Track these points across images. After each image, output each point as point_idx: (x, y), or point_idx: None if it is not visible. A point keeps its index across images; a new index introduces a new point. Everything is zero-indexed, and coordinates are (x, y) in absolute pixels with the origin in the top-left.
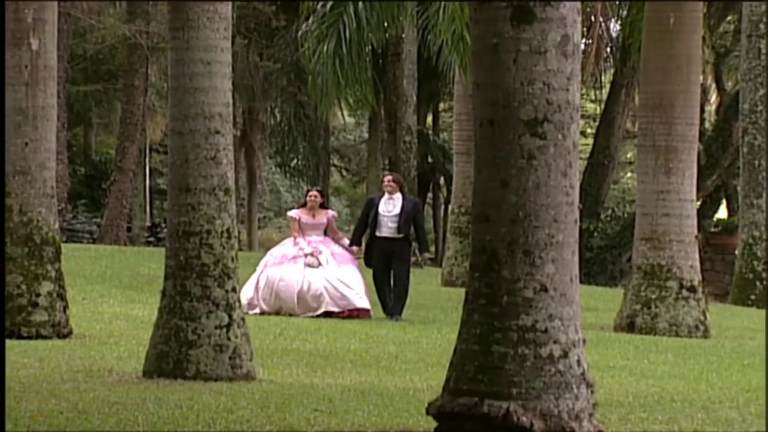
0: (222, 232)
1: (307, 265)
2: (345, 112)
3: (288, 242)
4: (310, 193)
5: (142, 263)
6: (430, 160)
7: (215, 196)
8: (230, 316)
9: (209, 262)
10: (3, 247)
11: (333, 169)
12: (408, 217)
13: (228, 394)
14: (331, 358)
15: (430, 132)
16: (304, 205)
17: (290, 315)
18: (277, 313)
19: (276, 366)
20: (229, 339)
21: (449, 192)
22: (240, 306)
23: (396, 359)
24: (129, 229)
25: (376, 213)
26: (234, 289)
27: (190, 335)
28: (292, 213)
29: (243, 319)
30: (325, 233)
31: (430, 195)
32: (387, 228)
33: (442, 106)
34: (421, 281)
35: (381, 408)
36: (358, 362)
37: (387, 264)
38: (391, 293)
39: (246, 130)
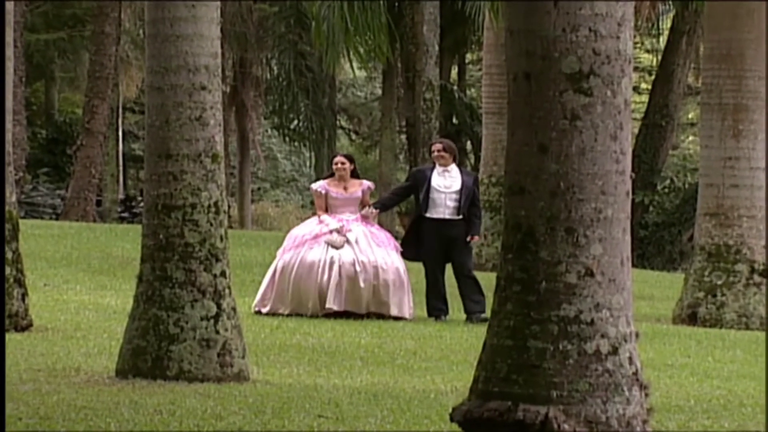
0: (209, 206)
1: (329, 244)
2: (354, 65)
3: (312, 221)
4: (336, 160)
5: (114, 243)
6: (455, 121)
7: (201, 164)
8: (219, 306)
9: (194, 242)
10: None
11: (340, 131)
12: (469, 195)
13: (216, 397)
14: (337, 354)
15: (455, 88)
16: (331, 175)
17: (313, 316)
18: (297, 313)
19: (273, 364)
20: (217, 332)
21: (477, 159)
22: (231, 294)
23: (414, 356)
24: (99, 203)
25: (429, 188)
26: (223, 274)
27: (172, 328)
28: (318, 186)
29: (234, 309)
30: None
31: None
32: (445, 208)
33: (469, 57)
34: None
35: (397, 413)
36: (370, 360)
37: (443, 254)
38: (441, 291)
39: (237, 85)
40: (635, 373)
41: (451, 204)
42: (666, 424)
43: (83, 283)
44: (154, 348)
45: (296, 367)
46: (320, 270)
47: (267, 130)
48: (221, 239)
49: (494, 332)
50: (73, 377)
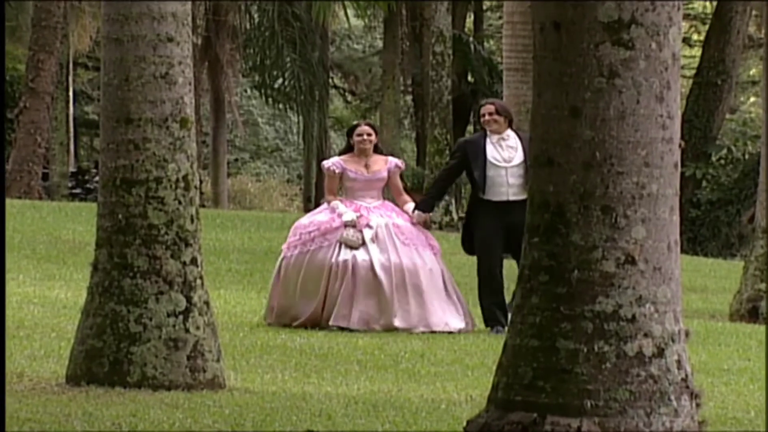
0: (177, 181)
1: (343, 244)
2: (350, 12)
3: (323, 209)
4: (360, 130)
5: (64, 224)
6: (470, 79)
7: (167, 130)
8: (189, 300)
9: (159, 223)
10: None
11: (333, 92)
12: None
13: (186, 408)
14: (330, 357)
15: (471, 39)
16: (348, 150)
17: (316, 327)
18: (298, 323)
19: (253, 369)
20: (187, 331)
21: None
22: (203, 285)
23: (422, 360)
24: (45, 177)
25: (485, 164)
26: (194, 261)
27: (133, 326)
28: (331, 163)
29: (207, 304)
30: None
31: (470, 128)
32: (506, 187)
33: (487, 3)
34: (457, 250)
35: (401, 427)
36: (369, 364)
37: (504, 245)
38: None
39: (210, 36)
40: (684, 379)
41: (515, 181)
42: None
43: (27, 273)
44: (112, 349)
45: (281, 373)
46: (330, 276)
47: (246, 90)
48: (192, 220)
49: (517, 331)
50: (15, 384)
